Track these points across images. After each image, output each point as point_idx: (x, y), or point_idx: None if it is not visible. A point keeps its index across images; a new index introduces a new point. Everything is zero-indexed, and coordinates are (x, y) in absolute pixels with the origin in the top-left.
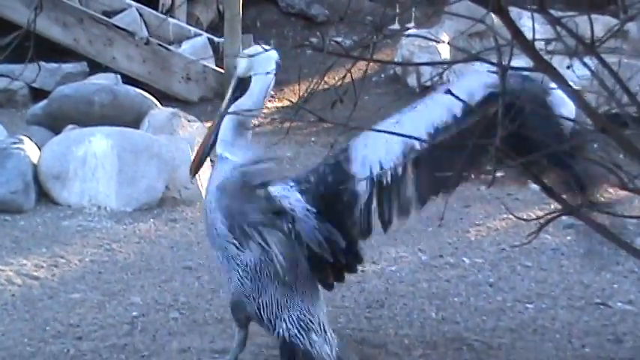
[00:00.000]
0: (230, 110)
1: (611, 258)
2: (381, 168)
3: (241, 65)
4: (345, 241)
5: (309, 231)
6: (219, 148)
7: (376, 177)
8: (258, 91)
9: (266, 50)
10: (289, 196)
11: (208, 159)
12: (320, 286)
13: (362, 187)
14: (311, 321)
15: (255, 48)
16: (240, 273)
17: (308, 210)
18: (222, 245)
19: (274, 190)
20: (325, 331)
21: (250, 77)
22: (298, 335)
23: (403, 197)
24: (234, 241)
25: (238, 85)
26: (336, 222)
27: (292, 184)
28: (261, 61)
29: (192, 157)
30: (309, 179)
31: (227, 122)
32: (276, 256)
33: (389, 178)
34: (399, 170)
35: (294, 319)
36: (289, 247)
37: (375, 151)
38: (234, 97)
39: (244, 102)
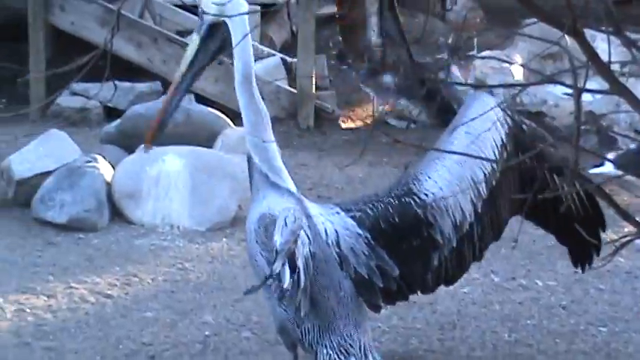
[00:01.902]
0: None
1: None
2: (462, 214)
3: (209, 8)
4: (407, 277)
5: (357, 256)
6: (255, 156)
7: (458, 225)
8: (244, 40)
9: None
10: (334, 220)
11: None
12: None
13: (444, 237)
14: (351, 345)
15: None
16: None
17: (360, 235)
18: (260, 275)
19: (314, 210)
20: (366, 355)
21: (222, 23)
22: (333, 356)
23: (481, 241)
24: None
25: (209, 32)
26: (397, 258)
27: (338, 209)
28: (234, 5)
29: (151, 124)
30: (364, 210)
31: (247, 110)
32: (302, 292)
33: (466, 228)
34: (472, 217)
35: (335, 344)
36: (328, 274)
37: (454, 194)
38: (205, 48)
39: (240, 61)
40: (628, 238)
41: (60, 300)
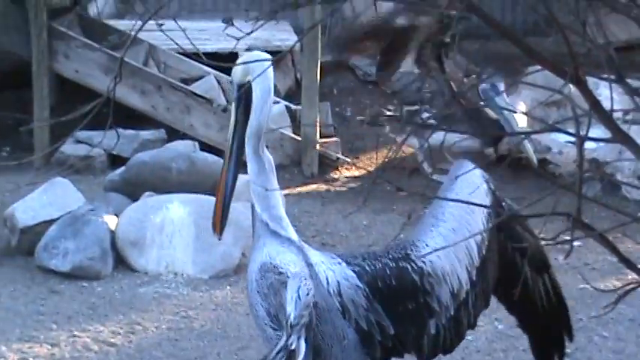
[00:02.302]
0: (248, 130)
1: None
2: (459, 282)
3: (237, 74)
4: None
5: (357, 307)
6: (257, 204)
7: (456, 293)
8: (261, 97)
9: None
10: (335, 270)
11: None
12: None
13: (442, 305)
14: None
15: (250, 53)
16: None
17: (359, 287)
18: (261, 327)
19: (316, 259)
20: None
21: (248, 82)
22: None
23: (475, 309)
24: (272, 324)
25: (240, 97)
26: (392, 319)
27: (340, 260)
28: (256, 63)
29: (214, 211)
30: (362, 266)
31: (247, 148)
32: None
33: (462, 296)
34: (468, 285)
35: None
36: (331, 322)
37: (451, 262)
38: (242, 110)
39: (253, 116)
40: (631, 286)
41: (63, 349)
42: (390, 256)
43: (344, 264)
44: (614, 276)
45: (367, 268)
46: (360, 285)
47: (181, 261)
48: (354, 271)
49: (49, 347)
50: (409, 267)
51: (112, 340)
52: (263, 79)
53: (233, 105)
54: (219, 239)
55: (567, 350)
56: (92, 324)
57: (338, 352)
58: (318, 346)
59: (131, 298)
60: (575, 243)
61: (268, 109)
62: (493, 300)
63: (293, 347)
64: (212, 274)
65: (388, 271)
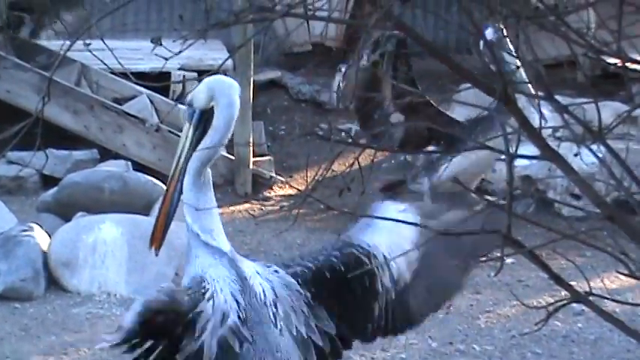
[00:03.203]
0: (194, 162)
1: (621, 345)
2: (398, 269)
3: (200, 96)
4: (347, 329)
5: (297, 315)
6: (188, 218)
7: (396, 278)
8: (225, 125)
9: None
10: (272, 279)
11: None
12: None
13: (384, 288)
14: None
15: (215, 77)
16: None
17: (300, 293)
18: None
19: (250, 270)
20: None
21: (211, 109)
22: None
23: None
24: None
25: (200, 121)
26: (338, 310)
27: (276, 267)
28: (223, 90)
29: (154, 227)
30: (304, 265)
31: (189, 171)
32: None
33: (403, 281)
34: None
35: None
36: (264, 335)
37: (389, 252)
38: (198, 137)
39: (210, 142)
40: (562, 303)
41: None
42: (331, 247)
43: (282, 271)
44: (547, 292)
45: (310, 264)
46: (301, 291)
47: (114, 281)
48: (295, 275)
49: None
50: (355, 250)
51: None
52: (229, 107)
53: (188, 126)
54: (157, 255)
55: None
56: (24, 345)
57: None
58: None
59: (64, 319)
60: (509, 260)
61: (229, 136)
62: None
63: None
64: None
65: (335, 259)
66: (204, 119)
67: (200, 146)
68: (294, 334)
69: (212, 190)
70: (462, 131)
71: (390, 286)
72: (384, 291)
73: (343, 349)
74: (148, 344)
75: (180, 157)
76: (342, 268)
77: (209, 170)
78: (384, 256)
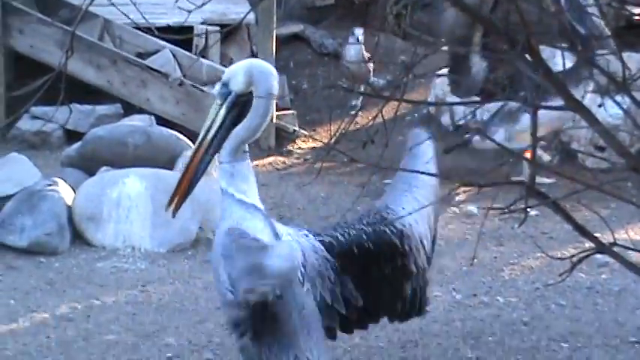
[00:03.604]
0: (232, 140)
1: None
2: (429, 244)
3: (238, 79)
4: (375, 305)
5: (323, 280)
6: (221, 182)
7: (428, 255)
8: (265, 111)
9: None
10: (302, 242)
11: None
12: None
13: (419, 268)
14: (309, 358)
15: (254, 62)
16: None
17: (327, 260)
18: (222, 292)
19: (282, 230)
20: None
21: (250, 93)
22: None
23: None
24: (233, 289)
25: (235, 103)
26: (366, 286)
27: (306, 232)
28: (262, 75)
29: (174, 190)
30: (334, 236)
31: (225, 154)
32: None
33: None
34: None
35: (292, 357)
36: (291, 292)
37: (425, 227)
38: (230, 119)
39: (249, 125)
40: (586, 254)
41: (21, 324)
42: (365, 222)
43: (311, 236)
44: (571, 244)
45: (340, 237)
46: (329, 258)
47: (139, 235)
48: (322, 243)
49: (7, 323)
50: (388, 230)
51: (71, 316)
52: (268, 94)
53: (220, 104)
54: (173, 217)
55: (524, 319)
56: (50, 299)
57: (296, 320)
58: (278, 313)
59: (89, 273)
60: (533, 212)
61: (267, 120)
62: (451, 270)
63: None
64: (170, 248)
65: (365, 237)
66: (239, 103)
67: (239, 127)
68: (318, 299)
69: (248, 159)
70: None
71: (425, 265)
72: (419, 271)
73: (370, 322)
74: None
75: (207, 133)
76: (372, 247)
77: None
78: (419, 236)
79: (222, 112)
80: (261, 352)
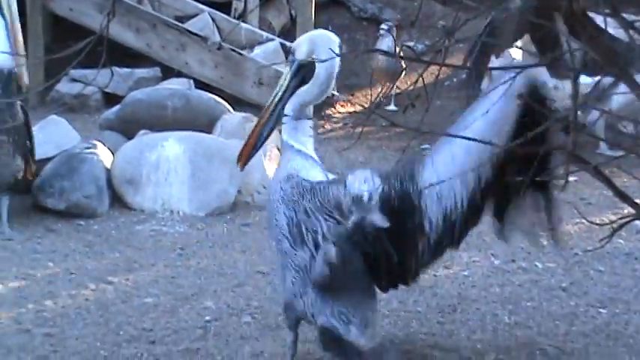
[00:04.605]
0: (295, 98)
1: None
2: (454, 203)
3: (302, 49)
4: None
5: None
6: (284, 135)
7: (448, 214)
8: (325, 77)
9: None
10: (368, 192)
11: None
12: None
13: (431, 226)
14: (354, 315)
15: (319, 32)
16: (293, 269)
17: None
18: (278, 237)
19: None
20: (367, 327)
21: (312, 62)
22: (336, 324)
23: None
24: (289, 237)
25: (299, 70)
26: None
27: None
28: (324, 44)
29: (243, 146)
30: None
31: (288, 109)
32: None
33: (460, 209)
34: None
35: (336, 312)
36: (343, 249)
37: (451, 184)
38: (294, 84)
39: (311, 90)
40: (626, 220)
41: (60, 286)
42: (398, 176)
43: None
44: (610, 210)
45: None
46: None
47: (177, 198)
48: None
49: (46, 285)
50: (411, 187)
51: (109, 278)
52: (330, 62)
53: (288, 71)
54: (241, 170)
55: (563, 284)
56: (89, 262)
57: (344, 276)
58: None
59: (127, 236)
60: (571, 178)
61: (330, 88)
62: (490, 236)
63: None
64: (208, 212)
65: (393, 194)
66: (302, 70)
67: (302, 88)
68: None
69: (309, 122)
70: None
71: (440, 224)
72: (432, 228)
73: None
74: None
75: (275, 98)
76: (396, 205)
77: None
78: (439, 195)
79: (287, 78)
80: (304, 306)
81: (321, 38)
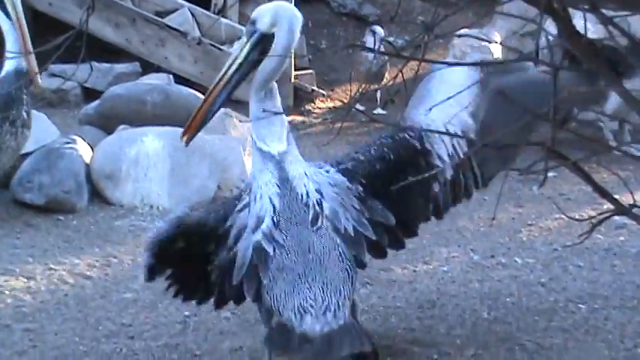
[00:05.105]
0: (259, 75)
1: None
2: (454, 141)
3: (264, 19)
4: (405, 218)
5: (347, 211)
6: (253, 133)
7: (452, 150)
8: (282, 49)
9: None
10: (319, 180)
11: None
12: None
13: (443, 162)
14: (312, 305)
15: (283, 3)
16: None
17: (350, 189)
18: None
19: (298, 170)
20: (326, 312)
21: (273, 34)
22: (291, 316)
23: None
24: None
25: (260, 42)
26: (397, 199)
27: (328, 167)
28: (287, 17)
29: (191, 119)
30: (356, 158)
31: (253, 94)
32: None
33: (463, 151)
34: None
35: (296, 305)
36: (297, 236)
37: (444, 125)
38: (254, 56)
39: (269, 63)
40: (605, 215)
41: (39, 281)
42: (384, 136)
43: (332, 169)
44: (589, 206)
45: (362, 157)
46: (351, 186)
47: (156, 194)
48: (345, 170)
49: (25, 280)
50: (407, 135)
51: (88, 273)
52: (290, 34)
53: (245, 42)
54: (186, 146)
55: (542, 280)
56: (68, 257)
57: (301, 267)
58: (283, 264)
59: (107, 231)
60: (550, 173)
61: (286, 61)
62: (469, 231)
63: None
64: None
65: (386, 149)
66: (263, 42)
67: (261, 65)
68: (342, 231)
69: (277, 99)
70: None
71: (449, 160)
72: (444, 164)
73: (407, 236)
74: (169, 272)
75: (230, 67)
76: (392, 156)
77: (274, 83)
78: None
79: (246, 48)
80: (271, 302)
81: (284, 10)
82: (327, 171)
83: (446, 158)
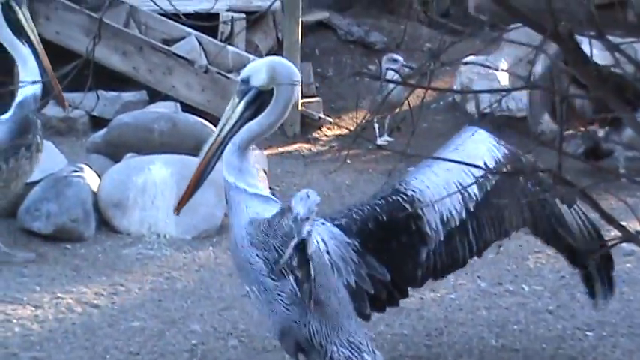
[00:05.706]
0: (245, 132)
1: None
2: (450, 212)
3: (260, 76)
4: (398, 277)
5: (347, 264)
6: (230, 177)
7: (446, 219)
8: (283, 107)
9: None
10: (320, 231)
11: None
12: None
13: (432, 230)
14: (360, 342)
15: (277, 59)
16: (285, 301)
17: (348, 243)
18: (258, 279)
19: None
20: (374, 352)
21: (269, 91)
22: (352, 356)
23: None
24: (271, 275)
25: (256, 99)
26: (387, 259)
27: (322, 220)
28: (285, 74)
29: (183, 194)
30: (349, 216)
31: (232, 145)
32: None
33: (455, 223)
34: (463, 215)
35: (345, 342)
36: (325, 275)
37: (440, 193)
38: (248, 114)
39: (265, 121)
40: (612, 242)
41: (47, 310)
42: (379, 197)
43: (328, 223)
44: None
45: (355, 216)
46: (349, 240)
47: (164, 222)
48: (340, 227)
49: (33, 309)
50: (399, 199)
51: (96, 302)
52: (291, 91)
53: (238, 101)
54: (177, 214)
55: (550, 307)
56: (75, 285)
57: (335, 304)
58: (318, 296)
59: (114, 260)
60: None
61: (284, 118)
62: (475, 259)
63: (304, 236)
64: (195, 235)
65: (379, 210)
66: (259, 98)
67: (253, 122)
68: (345, 283)
69: (251, 157)
70: None
71: (439, 228)
72: (433, 233)
73: (399, 296)
74: None
75: (222, 129)
76: (385, 218)
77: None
78: (431, 200)
79: (240, 107)
80: (310, 334)
81: (281, 66)
82: (323, 224)
83: (437, 224)
